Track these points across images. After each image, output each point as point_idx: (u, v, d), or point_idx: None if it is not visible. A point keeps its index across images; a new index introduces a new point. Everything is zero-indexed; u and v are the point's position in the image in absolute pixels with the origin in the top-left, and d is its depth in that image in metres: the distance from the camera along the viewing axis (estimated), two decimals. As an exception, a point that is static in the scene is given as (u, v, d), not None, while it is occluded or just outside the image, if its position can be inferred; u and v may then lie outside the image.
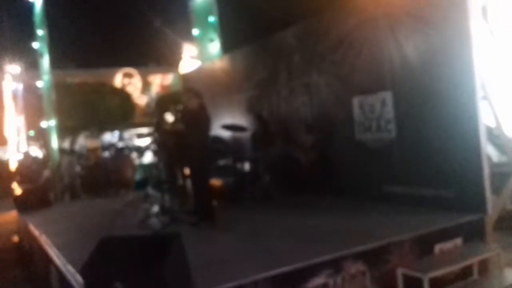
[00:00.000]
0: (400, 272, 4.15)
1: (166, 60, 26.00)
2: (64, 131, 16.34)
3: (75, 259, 4.31)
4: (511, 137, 5.13)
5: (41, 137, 19.03)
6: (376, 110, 5.95)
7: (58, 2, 18.17)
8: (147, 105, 27.76)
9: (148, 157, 10.54)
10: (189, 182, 6.68)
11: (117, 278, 3.11)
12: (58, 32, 17.68)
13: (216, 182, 7.12)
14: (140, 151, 11.32)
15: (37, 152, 19.66)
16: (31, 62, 19.02)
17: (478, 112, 4.74)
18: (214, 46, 10.54)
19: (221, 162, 7.84)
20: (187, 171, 6.80)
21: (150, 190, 7.13)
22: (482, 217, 4.77)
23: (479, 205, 4.76)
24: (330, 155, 6.74)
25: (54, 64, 16.00)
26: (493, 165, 5.38)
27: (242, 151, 7.93)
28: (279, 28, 7.76)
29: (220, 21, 10.64)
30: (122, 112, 23.39)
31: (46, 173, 12.21)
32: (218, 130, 7.75)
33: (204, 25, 10.58)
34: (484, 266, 4.55)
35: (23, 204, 8.77)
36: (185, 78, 11.86)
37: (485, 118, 4.86)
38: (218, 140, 8.27)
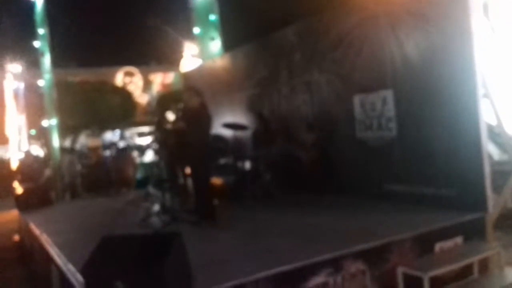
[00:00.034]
0: (400, 271, 4.15)
1: (167, 58, 25.99)
2: (65, 130, 16.34)
3: (75, 258, 4.31)
4: (512, 136, 5.11)
5: (42, 136, 19.06)
6: (377, 108, 5.94)
7: (59, 1, 18.17)
8: (148, 103, 27.78)
9: (149, 156, 10.54)
10: (190, 181, 6.69)
11: (118, 277, 3.12)
12: (59, 31, 17.67)
13: (217, 180, 7.12)
14: (141, 150, 11.31)
15: (38, 151, 19.68)
16: (32, 61, 19.03)
17: (479, 110, 4.73)
18: (215, 45, 10.53)
19: (222, 160, 7.83)
20: (188, 169, 6.80)
21: (151, 189, 7.12)
22: (482, 215, 4.76)
23: (480, 203, 4.75)
24: (331, 154, 6.74)
25: (55, 63, 15.99)
26: (494, 164, 5.37)
27: (243, 150, 7.93)
28: (280, 26, 7.75)
29: (221, 19, 10.63)
30: (123, 111, 23.38)
31: (47, 172, 12.21)
32: (219, 128, 7.75)
33: (205, 24, 10.57)
34: (484, 265, 4.55)
35: (24, 203, 8.79)
36: (186, 76, 11.86)
37: (486, 116, 4.85)
38: (219, 138, 8.27)
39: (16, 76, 25.65)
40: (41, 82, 16.81)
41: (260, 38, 8.35)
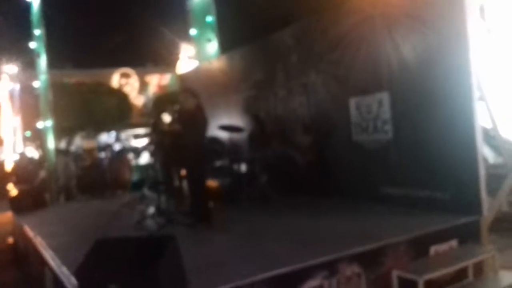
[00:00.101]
0: (395, 274, 4.14)
1: (164, 60, 25.99)
2: (61, 131, 16.26)
3: (69, 260, 4.28)
4: (507, 139, 5.12)
5: (37, 137, 18.99)
6: (373, 110, 5.94)
7: (56, 2, 18.13)
8: (144, 105, 27.70)
9: (144, 158, 10.52)
10: (185, 183, 6.67)
11: (112, 280, 3.09)
12: (55, 32, 17.63)
13: (212, 183, 7.10)
14: (137, 151, 11.29)
15: (33, 152, 19.62)
16: (28, 62, 18.98)
17: (474, 113, 4.73)
18: (212, 46, 10.52)
19: (218, 163, 7.82)
20: (183, 172, 6.78)
21: (146, 191, 7.10)
22: (477, 219, 4.76)
23: (475, 207, 4.76)
24: (327, 156, 6.74)
25: (51, 64, 15.93)
26: (489, 167, 5.37)
27: (239, 152, 7.91)
28: (276, 28, 7.76)
29: (218, 21, 10.63)
30: (119, 112, 23.32)
31: (42, 174, 12.18)
32: (215, 130, 7.74)
33: (202, 25, 10.56)
34: (479, 268, 4.55)
35: (19, 205, 8.72)
36: (183, 78, 11.84)
37: (481, 119, 4.85)
38: (214, 140, 8.25)
39: (12, 77, 25.58)
40: (36, 83, 16.76)
41: (257, 40, 8.35)
